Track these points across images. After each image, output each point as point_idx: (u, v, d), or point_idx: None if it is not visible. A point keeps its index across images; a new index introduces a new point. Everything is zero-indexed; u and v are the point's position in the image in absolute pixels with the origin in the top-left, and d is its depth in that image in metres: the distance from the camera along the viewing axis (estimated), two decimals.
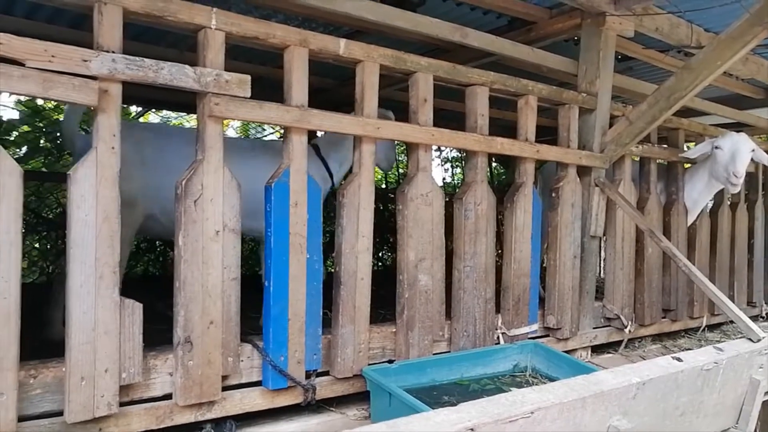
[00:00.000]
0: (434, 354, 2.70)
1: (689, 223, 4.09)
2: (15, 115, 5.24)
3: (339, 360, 2.41)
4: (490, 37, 3.19)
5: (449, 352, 2.79)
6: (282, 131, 2.31)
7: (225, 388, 2.16)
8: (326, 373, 2.44)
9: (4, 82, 1.67)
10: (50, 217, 5.55)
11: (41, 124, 5.33)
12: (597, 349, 3.59)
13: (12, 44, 1.68)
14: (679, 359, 2.22)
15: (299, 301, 2.28)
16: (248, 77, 2.12)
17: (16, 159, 1.72)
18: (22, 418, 1.78)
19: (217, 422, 2.18)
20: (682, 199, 4.03)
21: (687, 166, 4.09)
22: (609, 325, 3.63)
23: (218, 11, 2.08)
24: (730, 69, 3.72)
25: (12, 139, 5.20)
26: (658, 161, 3.96)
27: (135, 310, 1.93)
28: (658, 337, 4.00)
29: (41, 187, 5.59)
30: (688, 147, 4.39)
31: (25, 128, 5.29)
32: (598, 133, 3.40)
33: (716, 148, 3.70)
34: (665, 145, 4.06)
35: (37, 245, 5.52)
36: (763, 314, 4.79)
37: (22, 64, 1.70)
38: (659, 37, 3.63)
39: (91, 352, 1.83)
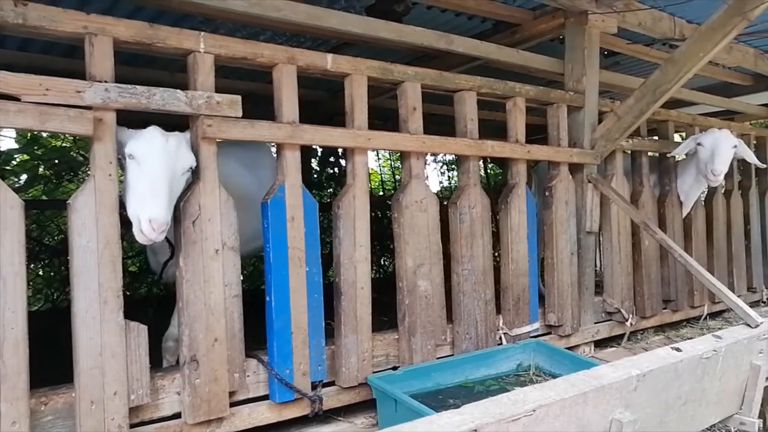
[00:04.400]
0: (438, 358, 2.73)
1: (684, 214, 4.12)
2: (14, 145, 5.28)
3: (344, 369, 2.44)
4: (475, 42, 3.23)
5: (452, 355, 2.82)
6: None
7: (233, 404, 2.19)
8: (332, 384, 2.47)
9: (2, 117, 1.71)
10: (52, 244, 5.58)
11: (39, 152, 5.37)
12: (600, 344, 3.62)
13: (8, 80, 1.72)
14: (678, 349, 2.24)
15: (301, 313, 2.32)
16: (239, 97, 2.16)
17: (15, 187, 1.77)
18: None
19: None
20: (676, 190, 4.06)
21: (679, 158, 4.13)
22: (610, 319, 3.66)
23: (206, 35, 2.13)
24: (715, 58, 3.76)
25: (10, 168, 5.24)
26: (649, 154, 4.00)
27: (140, 332, 1.97)
28: (660, 329, 4.02)
29: (42, 215, 5.62)
30: (681, 137, 4.44)
31: (24, 157, 5.33)
32: (587, 130, 3.44)
33: (698, 144, 3.75)
34: (655, 138, 4.09)
35: (40, 272, 5.55)
36: (764, 299, 4.81)
37: (18, 99, 1.74)
38: (643, 31, 3.68)
39: (99, 376, 1.86)
